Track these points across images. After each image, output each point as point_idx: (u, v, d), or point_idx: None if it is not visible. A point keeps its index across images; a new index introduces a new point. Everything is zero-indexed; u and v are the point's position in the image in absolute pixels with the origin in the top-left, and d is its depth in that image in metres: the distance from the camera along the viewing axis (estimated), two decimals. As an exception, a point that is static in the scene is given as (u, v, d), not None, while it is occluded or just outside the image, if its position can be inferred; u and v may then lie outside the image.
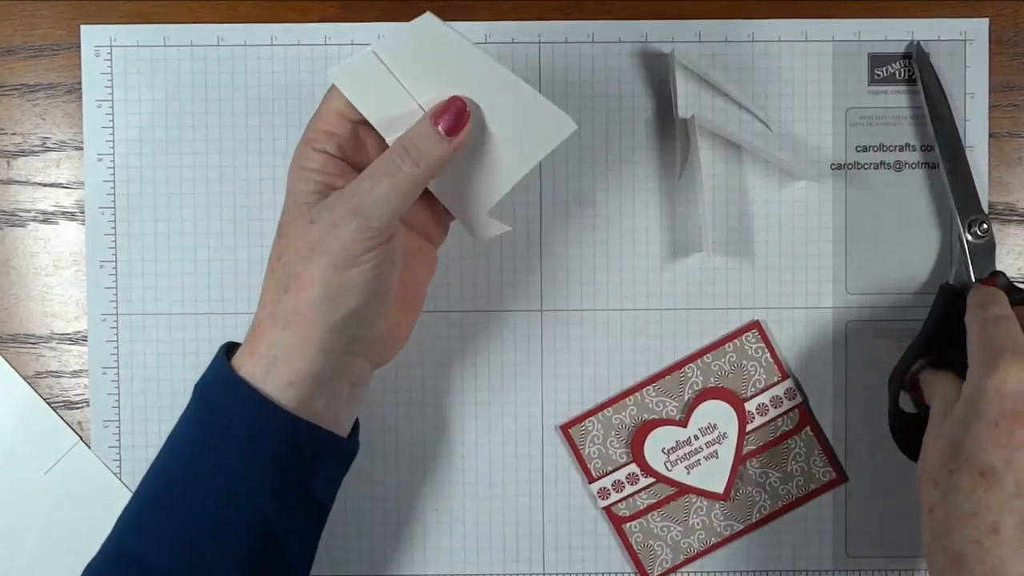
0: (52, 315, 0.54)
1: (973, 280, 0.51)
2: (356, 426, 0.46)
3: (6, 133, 0.54)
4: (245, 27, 0.53)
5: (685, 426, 0.53)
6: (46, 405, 0.54)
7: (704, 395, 0.53)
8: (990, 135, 0.53)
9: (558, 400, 0.54)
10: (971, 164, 0.53)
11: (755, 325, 0.53)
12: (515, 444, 0.54)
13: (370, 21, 0.53)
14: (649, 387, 0.53)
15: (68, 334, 0.54)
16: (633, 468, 0.53)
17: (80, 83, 0.53)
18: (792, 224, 0.53)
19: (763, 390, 0.53)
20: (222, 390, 0.42)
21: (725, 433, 0.53)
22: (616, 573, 0.54)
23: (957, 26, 0.53)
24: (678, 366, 0.53)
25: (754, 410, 0.53)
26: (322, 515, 0.45)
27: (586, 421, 0.53)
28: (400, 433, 0.54)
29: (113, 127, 0.53)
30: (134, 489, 0.44)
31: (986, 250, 0.51)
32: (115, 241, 0.53)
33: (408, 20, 0.53)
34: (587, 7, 0.53)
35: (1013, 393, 0.38)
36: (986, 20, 0.53)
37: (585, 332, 0.54)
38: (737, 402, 0.53)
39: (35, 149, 0.54)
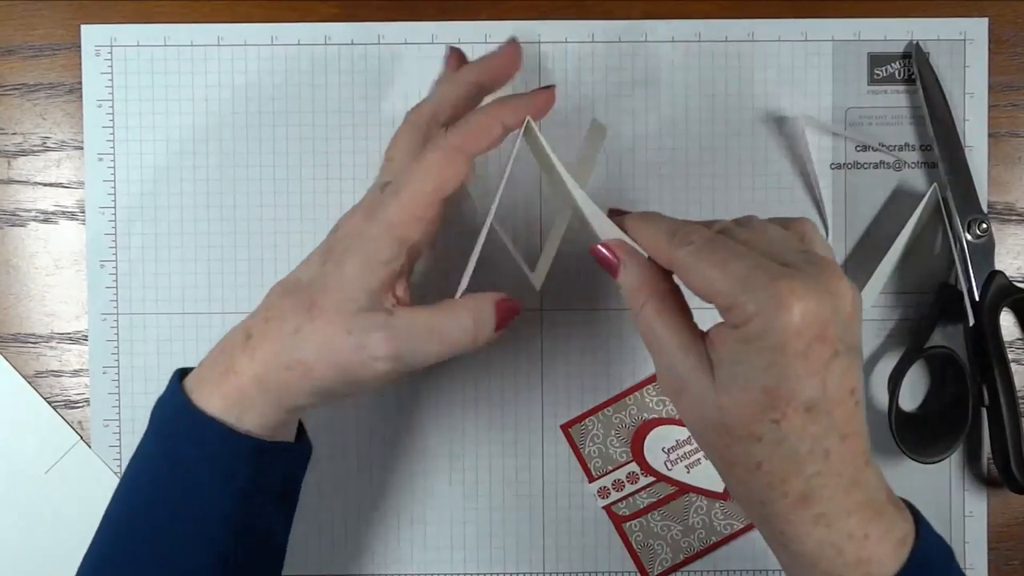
0: (52, 314, 0.54)
1: (972, 280, 0.51)
2: (301, 427, 0.46)
3: (6, 133, 0.54)
4: (245, 27, 0.53)
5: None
6: (46, 404, 0.54)
7: None
8: (989, 135, 0.53)
9: (558, 400, 0.54)
10: (970, 164, 0.53)
11: None
12: (515, 444, 0.54)
13: (370, 21, 0.53)
14: (649, 386, 0.53)
15: (68, 333, 0.54)
16: (633, 467, 0.53)
17: (80, 83, 0.53)
18: (792, 224, 0.53)
19: None
20: (182, 423, 0.41)
21: None
22: (616, 572, 0.54)
23: (957, 26, 0.53)
24: None
25: None
26: (288, 522, 0.45)
27: (586, 420, 0.53)
28: (400, 433, 0.54)
29: (113, 127, 0.53)
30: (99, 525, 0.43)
31: (985, 250, 0.52)
32: (115, 241, 0.53)
33: (407, 20, 0.53)
34: (587, 7, 0.53)
35: (811, 319, 0.35)
36: (986, 20, 0.53)
37: (585, 332, 0.54)
38: None
39: (35, 149, 0.54)
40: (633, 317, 0.41)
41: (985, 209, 0.53)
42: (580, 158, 0.51)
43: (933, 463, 0.51)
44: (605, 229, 0.42)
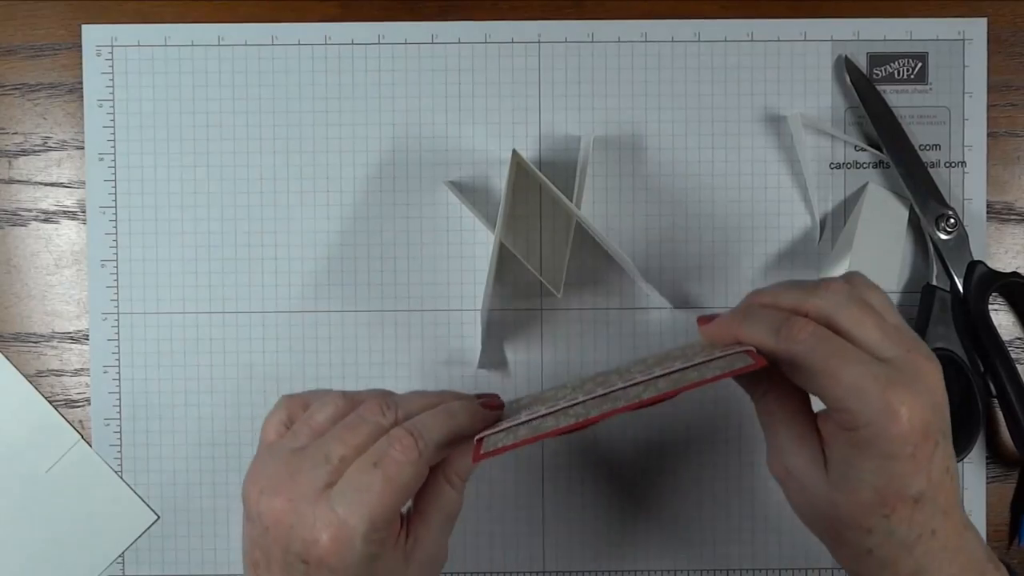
0: (53, 314, 0.54)
1: (953, 275, 0.51)
2: None
3: (7, 133, 0.54)
4: (245, 27, 0.53)
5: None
6: (47, 403, 0.54)
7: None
8: (988, 134, 0.53)
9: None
10: (970, 164, 0.53)
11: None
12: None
13: (370, 21, 0.53)
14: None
15: (69, 333, 0.54)
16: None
17: (81, 83, 0.54)
18: (792, 223, 0.53)
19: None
20: None
21: None
22: (616, 571, 0.54)
23: (956, 26, 0.53)
24: (671, 395, 0.39)
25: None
26: None
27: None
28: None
29: (114, 127, 0.53)
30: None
31: (960, 243, 0.52)
32: (116, 240, 0.53)
33: (407, 20, 0.53)
34: (587, 7, 0.54)
35: (917, 423, 0.37)
36: (984, 20, 0.53)
37: (585, 331, 0.54)
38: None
39: (36, 148, 0.54)
40: (755, 403, 0.42)
41: (984, 208, 0.53)
42: (577, 172, 0.52)
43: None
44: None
